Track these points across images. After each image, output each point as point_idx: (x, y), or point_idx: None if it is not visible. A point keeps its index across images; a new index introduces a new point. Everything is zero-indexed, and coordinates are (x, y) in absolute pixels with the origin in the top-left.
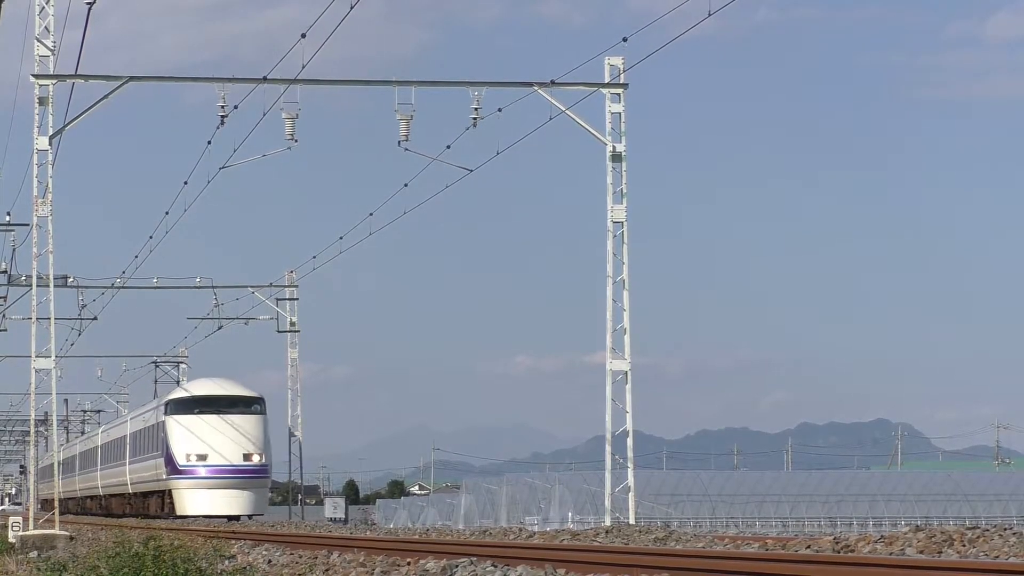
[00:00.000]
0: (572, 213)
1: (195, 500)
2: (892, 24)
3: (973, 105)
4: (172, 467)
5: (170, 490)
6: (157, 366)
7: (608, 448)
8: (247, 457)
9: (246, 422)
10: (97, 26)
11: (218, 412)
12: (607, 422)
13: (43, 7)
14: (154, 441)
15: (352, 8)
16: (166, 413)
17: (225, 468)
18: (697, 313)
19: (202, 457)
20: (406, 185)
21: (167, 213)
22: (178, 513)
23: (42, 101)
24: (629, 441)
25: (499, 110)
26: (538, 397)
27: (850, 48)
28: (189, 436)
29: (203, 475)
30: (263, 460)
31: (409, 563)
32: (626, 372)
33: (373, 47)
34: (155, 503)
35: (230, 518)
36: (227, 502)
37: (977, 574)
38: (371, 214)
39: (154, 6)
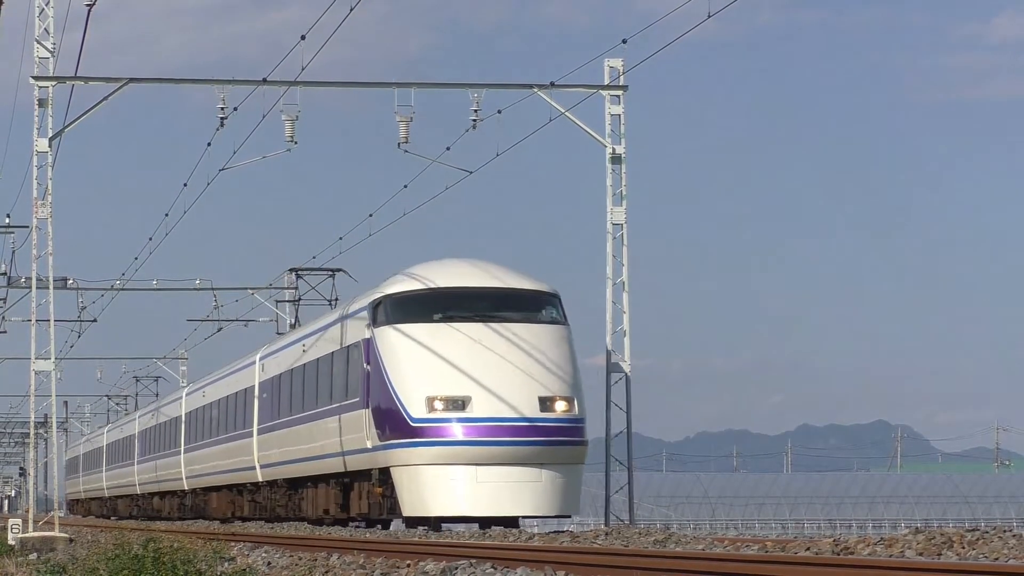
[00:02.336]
0: (572, 215)
1: (449, 487)
2: (895, 26)
3: (976, 107)
4: (395, 423)
5: (389, 469)
6: (298, 275)
7: (607, 450)
8: (547, 404)
9: (540, 337)
10: (100, 28)
11: (485, 318)
12: (606, 424)
13: (43, 9)
14: (343, 377)
15: (352, 10)
16: (376, 321)
17: (508, 425)
18: (697, 314)
19: (457, 404)
20: (406, 186)
21: (167, 215)
22: (408, 512)
23: (42, 103)
24: (628, 443)
25: (499, 112)
26: None
27: (853, 50)
28: (430, 363)
29: (462, 437)
30: (575, 410)
31: (409, 565)
32: (626, 374)
33: (375, 49)
34: (329, 496)
35: (506, 523)
36: (513, 492)
37: None
38: (371, 215)
39: (157, 8)
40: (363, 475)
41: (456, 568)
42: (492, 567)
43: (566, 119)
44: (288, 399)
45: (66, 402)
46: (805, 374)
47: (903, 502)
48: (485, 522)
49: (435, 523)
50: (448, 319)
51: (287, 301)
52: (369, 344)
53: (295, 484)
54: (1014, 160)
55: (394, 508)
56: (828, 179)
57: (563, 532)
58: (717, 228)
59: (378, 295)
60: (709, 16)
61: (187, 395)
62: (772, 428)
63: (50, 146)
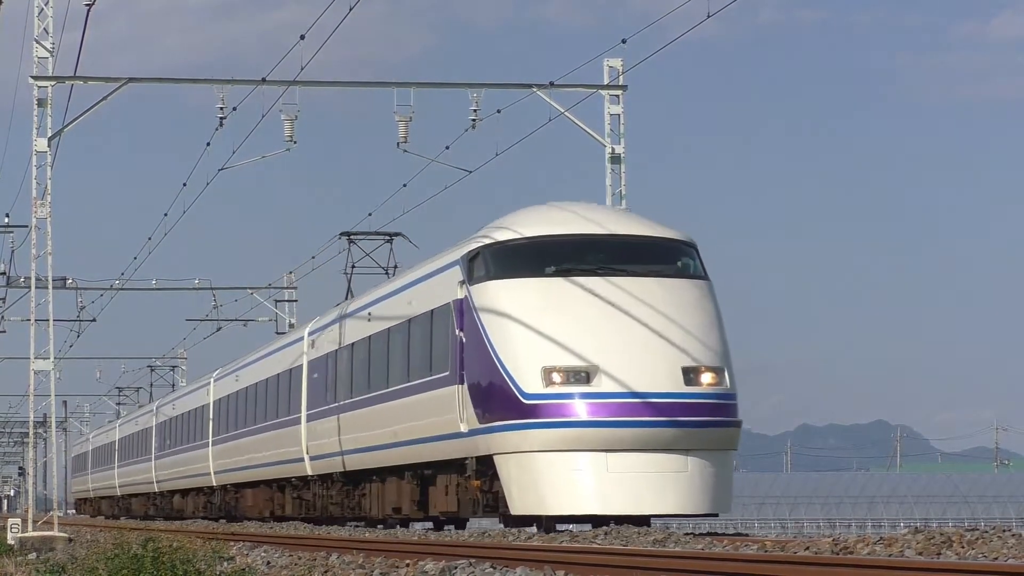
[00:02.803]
0: None
1: (572, 479)
2: (895, 26)
3: (976, 107)
4: (501, 401)
5: (492, 457)
6: (351, 240)
7: None
8: (692, 376)
9: (680, 294)
10: (102, 27)
11: (611, 271)
12: None
13: (42, 8)
14: (424, 348)
15: (351, 10)
16: (473, 277)
17: (645, 402)
18: None
19: (580, 376)
20: (405, 186)
21: (166, 214)
22: (518, 510)
23: (41, 103)
24: None
25: (498, 111)
26: None
27: (854, 50)
28: (545, 326)
29: (587, 417)
30: (725, 383)
31: (408, 565)
32: None
33: (375, 49)
34: (403, 492)
35: (637, 523)
36: (652, 485)
37: None
38: (370, 214)
39: (156, 7)
40: (449, 466)
41: (455, 568)
42: (491, 567)
43: (565, 119)
44: (348, 378)
45: (65, 402)
46: (805, 374)
47: (903, 502)
48: (607, 521)
49: (550, 523)
50: (565, 272)
51: (286, 301)
52: (463, 306)
53: (355, 478)
54: (1014, 160)
55: (495, 505)
56: (828, 178)
57: (562, 532)
58: (717, 228)
59: (473, 246)
60: (709, 16)
61: (216, 381)
62: (772, 428)
63: (49, 146)
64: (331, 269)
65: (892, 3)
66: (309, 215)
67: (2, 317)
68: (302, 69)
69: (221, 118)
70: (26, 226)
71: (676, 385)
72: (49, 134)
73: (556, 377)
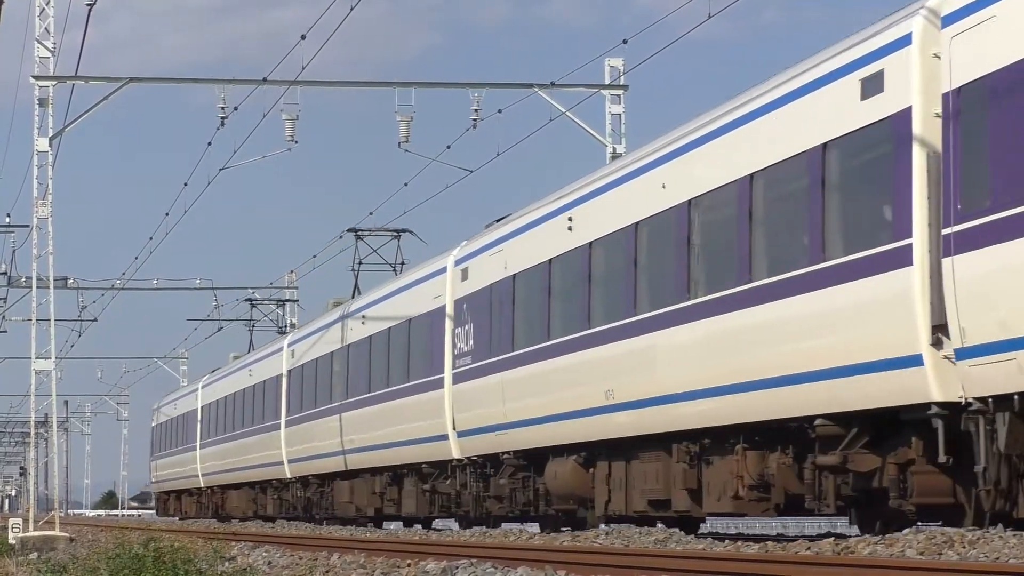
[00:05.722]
0: None
1: None
2: None
3: None
4: None
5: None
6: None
7: None
8: None
9: None
10: (103, 27)
11: None
12: None
13: (43, 8)
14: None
15: (352, 9)
16: None
17: None
18: None
19: None
20: (406, 185)
21: (167, 214)
22: None
23: (42, 102)
24: None
25: (499, 111)
26: None
27: None
28: None
29: None
30: None
31: (409, 564)
32: None
33: (377, 49)
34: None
35: None
36: None
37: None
38: (371, 214)
39: (157, 7)
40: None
41: (457, 567)
42: (493, 566)
43: (567, 119)
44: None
45: (66, 401)
46: None
47: None
48: None
49: None
50: None
51: (287, 300)
52: None
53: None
54: None
55: None
56: None
57: (563, 532)
58: None
59: None
60: (709, 16)
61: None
62: None
63: (50, 145)
64: (336, 265)
65: (896, 4)
66: (310, 215)
67: (3, 317)
68: (303, 69)
69: (222, 118)
70: (27, 226)
71: None
72: (50, 134)
73: None
